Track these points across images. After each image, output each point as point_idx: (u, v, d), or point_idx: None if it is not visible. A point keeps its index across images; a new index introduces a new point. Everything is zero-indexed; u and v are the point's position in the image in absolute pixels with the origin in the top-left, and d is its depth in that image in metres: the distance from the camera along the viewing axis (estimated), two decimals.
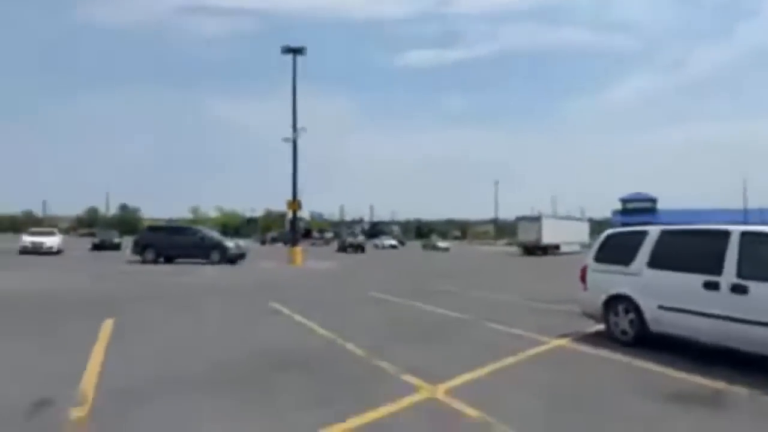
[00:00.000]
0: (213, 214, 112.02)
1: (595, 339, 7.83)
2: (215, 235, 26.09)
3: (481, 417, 4.33)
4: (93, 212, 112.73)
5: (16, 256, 27.20)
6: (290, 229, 30.90)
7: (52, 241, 29.92)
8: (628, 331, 7.38)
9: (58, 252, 29.89)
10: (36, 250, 28.65)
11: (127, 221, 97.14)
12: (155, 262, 24.03)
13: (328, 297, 12.97)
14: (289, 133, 27.08)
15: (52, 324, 8.31)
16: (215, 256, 23.89)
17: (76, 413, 4.20)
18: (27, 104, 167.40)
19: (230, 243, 25.10)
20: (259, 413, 4.37)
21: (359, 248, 45.89)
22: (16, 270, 18.86)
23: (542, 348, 7.16)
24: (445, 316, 9.84)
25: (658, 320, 6.94)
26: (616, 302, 7.58)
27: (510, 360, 6.35)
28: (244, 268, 22.63)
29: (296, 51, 27.01)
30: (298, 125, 27.24)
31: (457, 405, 4.62)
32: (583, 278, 8.21)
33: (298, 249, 26.52)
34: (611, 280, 7.69)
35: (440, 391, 5.00)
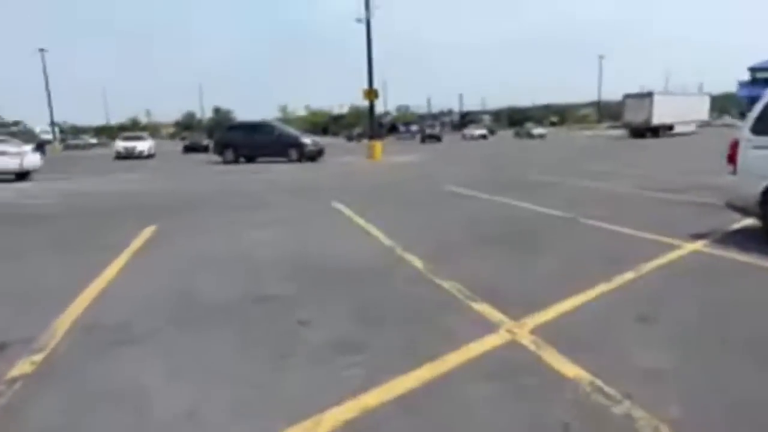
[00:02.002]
0: (301, 112, 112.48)
1: (744, 240, 5.75)
2: (292, 132, 25.10)
3: (591, 382, 2.72)
4: (190, 117, 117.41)
5: (110, 161, 28.26)
6: (372, 123, 29.23)
7: (143, 145, 30.75)
8: None
9: (150, 156, 30.77)
10: (128, 155, 29.62)
11: (221, 123, 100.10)
12: (236, 161, 23.71)
13: (399, 194, 11.50)
14: (370, 17, 24.46)
15: (83, 233, 7.61)
16: (293, 153, 23.07)
17: (21, 367, 3.13)
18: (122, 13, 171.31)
19: (307, 140, 24.07)
20: (263, 366, 3.07)
21: (436, 138, 49.52)
22: (93, 175, 19.18)
23: (672, 255, 5.25)
24: (538, 215, 8.03)
25: None
26: None
27: (628, 276, 4.56)
28: (322, 164, 21.69)
29: None
30: (373, 4, 24.53)
31: (551, 357, 3.02)
32: (732, 158, 5.94)
33: (377, 143, 24.96)
34: None
35: (525, 331, 3.42)
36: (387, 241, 6.29)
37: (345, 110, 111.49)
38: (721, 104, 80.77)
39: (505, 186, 11.76)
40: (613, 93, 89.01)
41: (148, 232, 7.30)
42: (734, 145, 5.92)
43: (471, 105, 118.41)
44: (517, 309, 3.79)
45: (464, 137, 58.11)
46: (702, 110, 49.24)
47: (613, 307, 3.85)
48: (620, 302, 3.94)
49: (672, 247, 5.55)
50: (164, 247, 6.41)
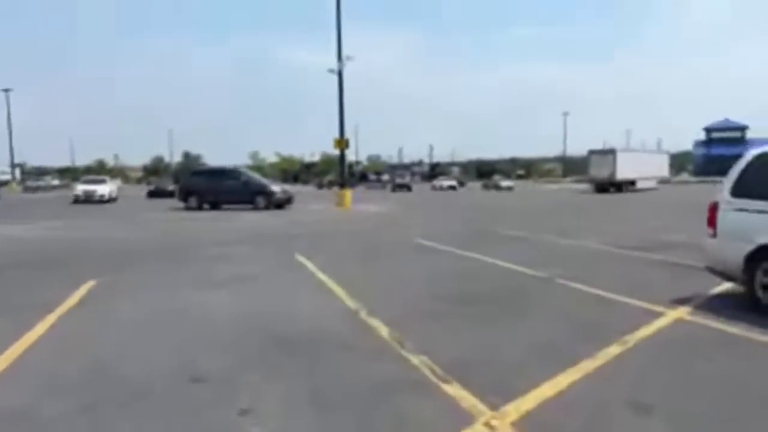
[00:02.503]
0: (272, 159, 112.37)
1: (727, 307, 5.44)
2: (260, 179, 24.64)
3: None
4: (158, 161, 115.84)
5: (68, 205, 27.09)
6: (342, 171, 29.09)
7: (104, 189, 29.70)
8: None
9: (111, 200, 29.69)
10: (88, 199, 28.49)
11: (189, 168, 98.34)
12: (200, 208, 22.98)
13: (366, 246, 11.04)
14: (342, 67, 24.60)
15: (14, 288, 6.85)
16: (261, 201, 22.51)
17: None
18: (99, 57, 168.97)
19: (276, 187, 23.63)
20: None
21: (406, 188, 52.45)
22: (46, 219, 18.18)
23: (656, 324, 4.88)
24: (512, 273, 7.65)
25: None
26: None
27: (613, 350, 4.15)
28: (290, 212, 21.17)
29: None
30: (349, 59, 24.79)
31: None
32: (711, 221, 5.72)
33: (347, 191, 24.71)
34: (762, 224, 5.20)
35: (507, 423, 2.92)
36: (351, 303, 5.77)
37: (317, 158, 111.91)
38: (678, 162, 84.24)
39: (476, 240, 11.46)
40: (576, 148, 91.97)
41: (86, 288, 6.59)
42: (713, 208, 5.71)
43: (441, 156, 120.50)
44: (495, 393, 3.29)
45: (434, 188, 58.67)
46: (662, 167, 51.16)
47: (601, 390, 3.40)
48: (609, 384, 3.50)
49: (655, 315, 5.20)
50: (100, 307, 5.73)
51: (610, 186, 40.37)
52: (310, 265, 8.28)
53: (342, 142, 25.11)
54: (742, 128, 75.45)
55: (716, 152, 74.28)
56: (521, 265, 8.10)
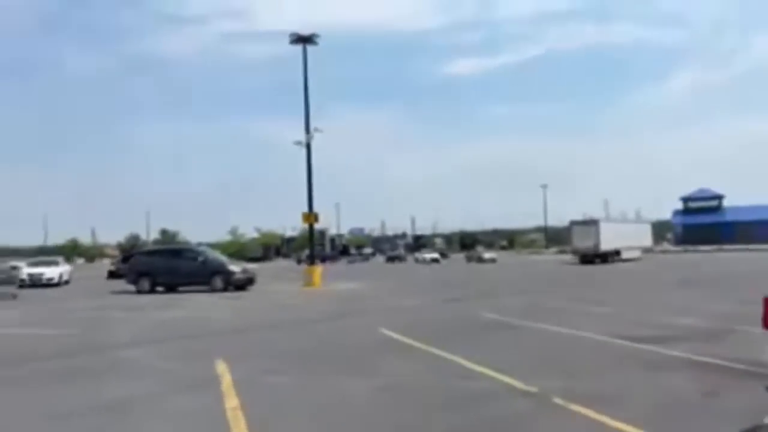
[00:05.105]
0: (251, 235, 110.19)
1: None
2: (219, 258, 22.49)
3: None
4: (134, 239, 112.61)
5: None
6: (311, 247, 27.31)
7: (53, 271, 27.26)
8: None
9: (61, 283, 27.17)
10: (35, 283, 25.91)
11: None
12: (152, 291, 20.73)
13: (316, 343, 8.92)
14: (310, 140, 23.38)
15: None
16: (218, 282, 20.32)
17: None
18: (72, 133, 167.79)
19: (235, 267, 21.52)
20: None
21: (398, 259, 57.10)
22: None
23: None
24: (495, 389, 5.63)
25: None
26: None
27: None
28: (248, 295, 19.02)
29: (306, 40, 23.51)
30: (317, 131, 23.65)
31: None
32: None
33: (317, 269, 22.78)
34: None
35: None
36: None
37: (297, 233, 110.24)
38: (658, 231, 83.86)
39: (454, 330, 9.51)
40: (555, 219, 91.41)
41: None
42: None
43: (423, 228, 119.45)
44: None
45: (417, 260, 57.12)
46: (645, 237, 50.31)
47: None
48: None
49: None
50: None
51: (595, 257, 38.93)
52: (226, 378, 6.20)
53: (311, 217, 23.47)
54: (719, 197, 75.94)
55: (695, 221, 74.21)
56: (507, 372, 6.12)
